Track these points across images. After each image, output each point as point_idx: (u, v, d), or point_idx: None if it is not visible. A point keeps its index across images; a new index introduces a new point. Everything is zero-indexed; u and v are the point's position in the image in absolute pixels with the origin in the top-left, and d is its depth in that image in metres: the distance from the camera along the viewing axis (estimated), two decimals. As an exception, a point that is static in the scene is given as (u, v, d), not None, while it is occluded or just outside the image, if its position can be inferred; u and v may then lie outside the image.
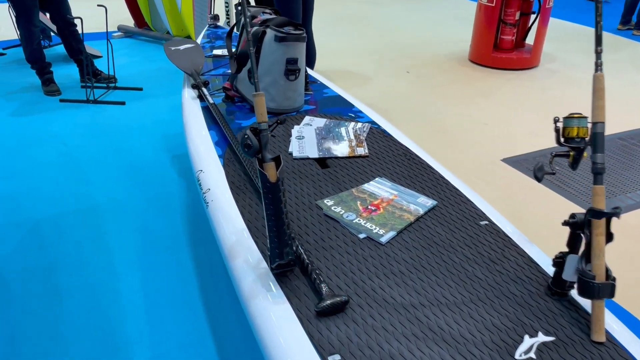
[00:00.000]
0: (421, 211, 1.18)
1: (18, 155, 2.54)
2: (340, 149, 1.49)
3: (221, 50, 2.42)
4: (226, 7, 4.23)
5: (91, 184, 2.26)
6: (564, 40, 4.89)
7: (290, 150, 1.49)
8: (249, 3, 3.17)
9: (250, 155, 0.93)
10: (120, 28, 4.96)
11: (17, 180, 2.30)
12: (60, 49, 4.44)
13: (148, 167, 2.40)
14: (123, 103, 3.20)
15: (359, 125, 1.64)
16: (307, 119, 1.70)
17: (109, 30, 5.09)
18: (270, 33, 1.63)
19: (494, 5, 3.85)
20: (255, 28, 1.67)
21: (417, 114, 3.10)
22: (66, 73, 3.80)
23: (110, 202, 2.12)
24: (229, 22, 4.47)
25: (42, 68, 3.30)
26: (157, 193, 2.19)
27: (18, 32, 3.17)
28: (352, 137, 1.56)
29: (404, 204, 1.21)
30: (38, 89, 3.44)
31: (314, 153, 1.46)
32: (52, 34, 4.16)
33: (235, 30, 1.90)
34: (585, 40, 4.92)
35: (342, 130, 1.60)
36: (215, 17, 2.81)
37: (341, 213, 1.17)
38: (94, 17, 5.46)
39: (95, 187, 2.24)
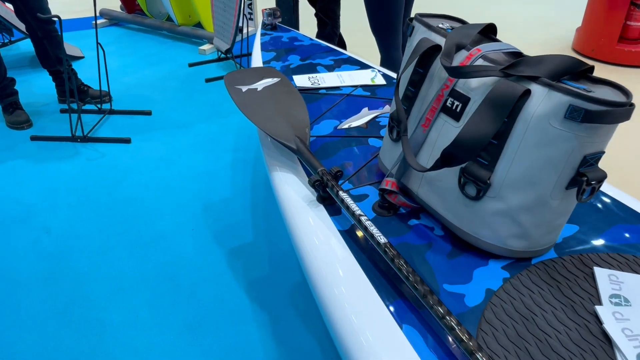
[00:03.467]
0: None
1: (-30, 255, 1.60)
2: None
3: (309, 78, 1.49)
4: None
5: (104, 328, 1.34)
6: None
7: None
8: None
9: None
10: (103, 13, 3.93)
11: (-32, 318, 1.38)
12: (25, 45, 3.42)
13: (195, 285, 1.49)
14: (128, 140, 2.25)
15: None
16: (604, 282, 0.80)
17: (86, 16, 4.06)
18: (548, 98, 0.71)
19: (626, -21, 2.94)
20: (503, 83, 0.74)
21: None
22: (37, 88, 2.81)
23: (142, 375, 1.21)
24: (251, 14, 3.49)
25: (2, 88, 2.32)
26: (222, 350, 1.28)
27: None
28: None
29: None
30: (-2, 116, 2.47)
31: None
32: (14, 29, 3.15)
33: (402, 72, 0.97)
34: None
35: None
36: (274, 13, 1.86)
37: None
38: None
39: (110, 338, 1.32)
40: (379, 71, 1.54)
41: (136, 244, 1.63)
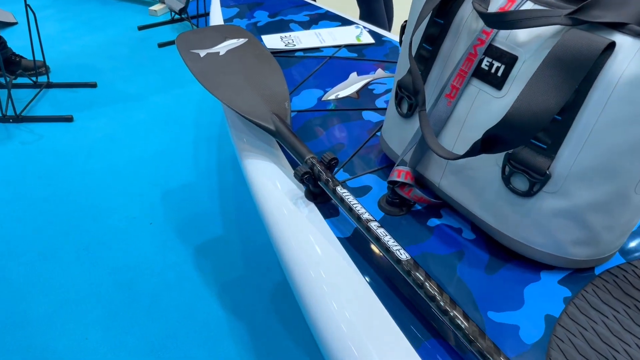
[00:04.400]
0: None
1: None
2: None
3: (281, 38, 1.24)
4: None
5: (46, 355, 1.10)
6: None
7: None
8: None
9: None
10: (37, -28, 3.49)
11: None
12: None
13: (156, 294, 1.26)
14: (70, 118, 1.95)
15: None
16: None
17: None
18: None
19: None
20: (573, 34, 0.52)
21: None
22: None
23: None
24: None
25: None
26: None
27: None
28: None
29: None
30: None
31: None
32: None
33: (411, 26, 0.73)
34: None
35: None
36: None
37: None
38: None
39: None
40: (364, 27, 1.31)
41: (83, 245, 1.38)
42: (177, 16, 2.83)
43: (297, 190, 0.79)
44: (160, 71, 2.34)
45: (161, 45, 2.57)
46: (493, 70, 0.61)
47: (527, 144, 0.59)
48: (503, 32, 0.61)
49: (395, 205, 0.74)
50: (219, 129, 1.89)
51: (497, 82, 0.61)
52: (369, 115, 0.97)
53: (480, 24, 0.63)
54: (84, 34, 2.72)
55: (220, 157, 1.73)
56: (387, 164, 0.84)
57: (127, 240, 1.39)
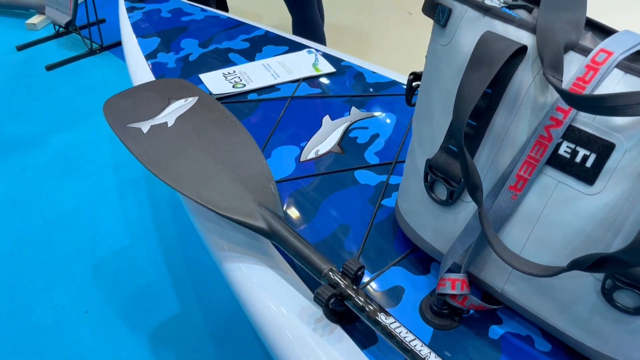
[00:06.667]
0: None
1: None
2: None
3: (225, 77, 1.03)
4: None
5: None
6: None
7: None
8: None
9: None
10: None
11: None
12: None
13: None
14: (-51, 181, 1.59)
15: None
16: None
17: None
18: None
19: None
20: None
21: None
22: None
23: None
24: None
25: None
26: None
27: None
28: None
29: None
30: None
31: None
32: None
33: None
34: None
35: None
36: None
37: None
38: None
39: None
40: (317, 50, 1.13)
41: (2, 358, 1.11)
42: (62, 29, 2.45)
43: (312, 307, 0.62)
44: (55, 101, 1.99)
45: (50, 67, 2.20)
46: (578, 160, 0.48)
47: (643, 258, 0.47)
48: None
49: (446, 316, 0.60)
50: (143, 169, 1.64)
51: (587, 175, 0.48)
52: (363, 177, 0.81)
53: (551, 97, 0.49)
54: (-54, 61, 2.27)
55: (155, 203, 1.49)
56: (409, 248, 0.69)
57: (60, 340, 1.14)
